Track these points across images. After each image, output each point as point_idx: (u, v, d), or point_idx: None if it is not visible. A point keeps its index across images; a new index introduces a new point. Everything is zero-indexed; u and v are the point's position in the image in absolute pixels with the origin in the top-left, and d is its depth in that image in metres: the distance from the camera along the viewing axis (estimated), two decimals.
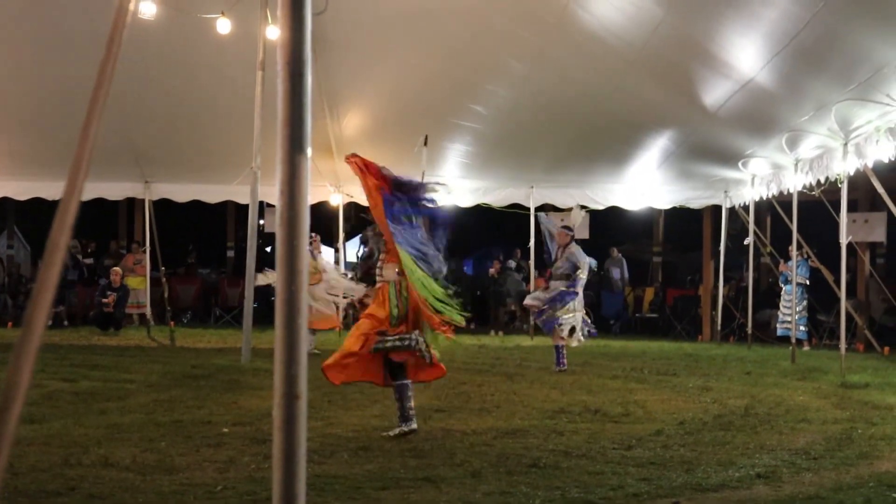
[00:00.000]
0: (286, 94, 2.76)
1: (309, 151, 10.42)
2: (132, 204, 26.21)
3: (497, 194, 23.07)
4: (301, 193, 2.80)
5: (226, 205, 25.78)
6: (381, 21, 16.05)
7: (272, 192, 21.77)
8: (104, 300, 22.31)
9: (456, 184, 22.91)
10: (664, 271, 30.27)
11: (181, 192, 23.19)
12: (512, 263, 26.09)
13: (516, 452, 8.74)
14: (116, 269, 23.24)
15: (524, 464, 8.21)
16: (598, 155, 20.96)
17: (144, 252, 23.10)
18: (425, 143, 16.92)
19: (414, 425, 9.62)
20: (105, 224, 28.91)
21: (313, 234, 18.74)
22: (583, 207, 20.17)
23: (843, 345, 15.88)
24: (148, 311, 23.25)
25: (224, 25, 14.82)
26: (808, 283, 21.34)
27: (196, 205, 23.70)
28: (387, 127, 19.87)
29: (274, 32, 14.92)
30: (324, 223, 26.61)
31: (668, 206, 24.39)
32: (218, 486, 7.17)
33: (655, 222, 29.31)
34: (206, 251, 32.17)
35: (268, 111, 14.38)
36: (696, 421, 10.77)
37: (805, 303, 21.32)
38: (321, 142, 20.27)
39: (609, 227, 28.09)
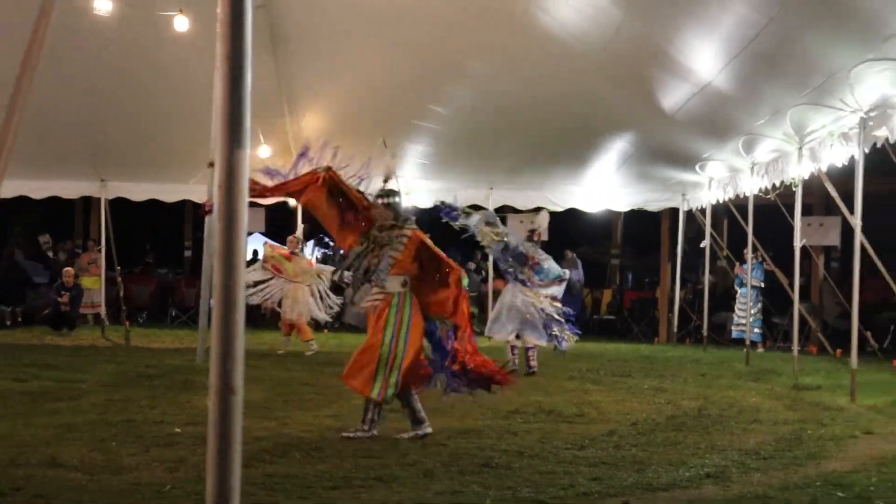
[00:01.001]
0: (225, 89, 2.76)
1: (267, 150, 10.47)
2: (88, 203, 26.02)
3: (456, 195, 23.05)
4: (240, 189, 2.80)
5: (183, 204, 25.58)
6: (340, 19, 16.00)
7: None
8: (59, 299, 22.14)
9: (415, 185, 22.89)
10: (622, 273, 30.38)
11: (138, 191, 23.03)
12: (471, 265, 26.10)
13: (469, 452, 8.76)
14: (69, 269, 23.06)
15: (476, 463, 8.23)
16: (558, 157, 20.99)
17: (100, 251, 22.93)
18: (385, 145, 16.88)
19: (429, 429, 9.66)
20: (61, 223, 28.69)
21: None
22: (540, 209, 20.26)
23: (795, 347, 16.03)
24: (103, 310, 23.09)
25: (181, 23, 14.74)
26: (763, 286, 21.47)
27: (153, 204, 23.54)
28: (346, 126, 19.79)
29: None
30: (282, 223, 26.56)
31: (626, 209, 24.48)
32: (167, 486, 7.14)
33: (614, 225, 29.41)
34: (164, 251, 32.00)
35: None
36: (650, 421, 10.83)
37: (760, 305, 21.46)
38: (281, 141, 20.21)
39: (568, 229, 28.15)
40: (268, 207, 24.71)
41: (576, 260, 27.93)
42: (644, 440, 9.63)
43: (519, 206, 22.91)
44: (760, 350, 21.16)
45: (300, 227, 21.30)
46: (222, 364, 2.78)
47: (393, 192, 10.22)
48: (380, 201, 10.14)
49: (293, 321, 18.71)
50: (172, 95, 17.97)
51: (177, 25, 14.64)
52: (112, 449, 8.56)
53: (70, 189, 23.12)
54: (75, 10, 15.18)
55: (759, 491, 7.27)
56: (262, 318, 27.01)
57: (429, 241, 9.95)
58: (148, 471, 7.73)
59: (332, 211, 10.20)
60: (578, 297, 27.23)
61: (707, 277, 22.27)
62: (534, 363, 15.55)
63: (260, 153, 19.55)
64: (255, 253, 30.30)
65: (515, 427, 10.25)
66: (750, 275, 20.01)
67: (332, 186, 10.14)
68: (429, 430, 9.67)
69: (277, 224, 27.99)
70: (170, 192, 22.87)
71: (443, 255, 9.87)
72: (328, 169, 10.17)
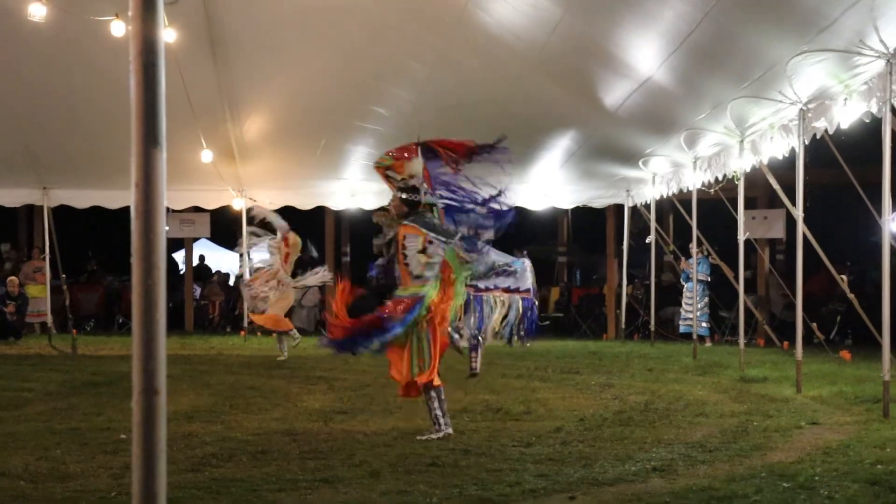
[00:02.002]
0: (138, 86, 2.72)
1: (209, 155, 10.42)
2: (31, 210, 25.80)
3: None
4: (157, 188, 2.77)
5: (127, 210, 25.36)
6: (278, 24, 15.94)
7: (174, 197, 21.59)
8: (4, 309, 21.93)
9: (359, 186, 22.87)
10: (569, 271, 30.47)
11: (81, 199, 22.88)
12: None
13: (416, 452, 8.73)
14: (13, 278, 22.85)
15: (423, 463, 8.21)
16: None
17: (44, 259, 22.73)
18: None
19: (448, 430, 9.66)
20: (4, 231, 28.40)
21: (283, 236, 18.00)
22: None
23: (741, 340, 16.16)
24: (49, 319, 22.90)
25: (118, 28, 14.59)
26: (709, 279, 21.59)
27: (97, 210, 23.37)
28: (289, 129, 19.78)
29: (171, 35, 14.73)
30: (227, 227, 26.42)
31: (571, 206, 24.60)
32: (112, 493, 7.07)
33: (560, 222, 29.49)
34: (110, 258, 31.74)
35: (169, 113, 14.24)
36: (597, 417, 10.86)
37: (706, 300, 21.58)
38: (223, 146, 20.12)
39: (514, 227, 28.18)
40: (213, 212, 24.60)
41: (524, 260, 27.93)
42: (591, 436, 9.65)
43: None
44: (708, 344, 21.28)
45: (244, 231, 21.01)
46: (144, 364, 2.74)
47: (413, 189, 10.17)
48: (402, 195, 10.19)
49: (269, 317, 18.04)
50: (114, 100, 17.62)
51: (113, 30, 14.48)
52: (57, 457, 8.48)
53: (11, 197, 22.96)
54: (9, 13, 15.06)
55: (704, 483, 7.29)
56: (210, 322, 26.91)
57: (403, 236, 9.98)
58: (94, 478, 7.66)
59: None
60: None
61: (653, 272, 22.37)
62: (475, 364, 15.28)
63: (203, 157, 19.45)
64: (202, 258, 30.15)
65: (462, 426, 10.22)
66: (696, 269, 20.13)
67: None
68: (448, 431, 9.68)
69: (222, 229, 27.84)
70: (113, 199, 22.66)
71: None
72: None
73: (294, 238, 17.94)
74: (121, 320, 26.29)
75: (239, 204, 22.98)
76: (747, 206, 17.09)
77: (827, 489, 7.01)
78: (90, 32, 15.38)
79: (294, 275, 18.22)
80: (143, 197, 2.76)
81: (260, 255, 18.27)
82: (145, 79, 2.73)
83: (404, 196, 10.13)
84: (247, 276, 20.43)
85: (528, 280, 15.05)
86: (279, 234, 17.82)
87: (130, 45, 2.76)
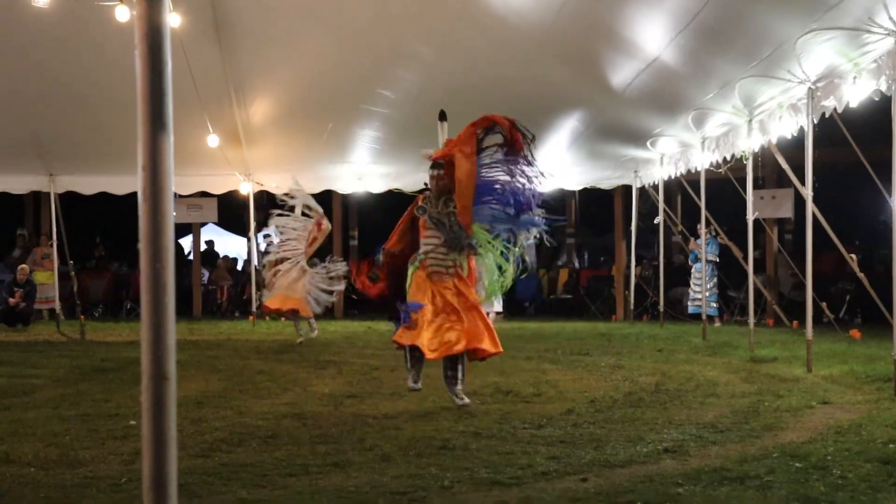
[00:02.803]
0: (144, 69, 2.69)
1: (216, 140, 10.41)
2: (38, 197, 25.81)
3: (408, 179, 22.90)
4: (164, 170, 2.75)
5: (135, 196, 25.30)
6: (284, 5, 15.91)
7: (181, 182, 21.57)
8: (11, 298, 21.95)
9: (366, 170, 22.85)
10: (578, 252, 30.42)
11: (87, 185, 22.87)
12: None
13: (427, 435, 8.70)
14: (23, 266, 22.86)
15: (434, 446, 8.18)
16: None
17: (52, 246, 22.73)
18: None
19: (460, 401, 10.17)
20: (11, 218, 28.41)
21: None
22: None
23: (751, 320, 16.09)
24: (57, 305, 22.91)
25: (123, 13, 14.56)
26: (717, 260, 21.55)
27: (104, 196, 23.37)
28: (295, 113, 19.74)
29: (175, 19, 14.70)
30: (234, 212, 26.41)
31: (578, 187, 24.56)
32: (123, 479, 7.05)
33: (568, 203, 29.44)
34: (117, 244, 31.75)
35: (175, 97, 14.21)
36: (607, 399, 10.82)
37: (715, 280, 21.54)
38: (229, 130, 20.09)
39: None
40: (220, 197, 24.59)
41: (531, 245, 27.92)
42: (602, 417, 9.61)
43: None
44: (717, 324, 21.26)
45: (252, 216, 20.93)
46: (154, 350, 2.72)
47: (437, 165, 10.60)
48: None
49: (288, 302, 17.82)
50: (120, 85, 17.62)
51: (118, 15, 14.44)
52: (67, 443, 8.45)
53: (18, 184, 22.97)
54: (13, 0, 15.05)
55: (716, 464, 7.26)
56: (218, 307, 26.93)
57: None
58: (104, 464, 7.63)
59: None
60: (534, 276, 27.25)
61: (661, 253, 22.32)
62: None
63: (209, 142, 19.43)
64: (210, 243, 30.16)
65: (473, 408, 10.19)
66: (704, 249, 20.09)
67: None
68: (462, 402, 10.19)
69: (230, 214, 27.84)
70: (120, 185, 22.67)
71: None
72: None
73: (327, 225, 17.85)
74: (129, 306, 26.31)
75: (246, 188, 22.97)
76: (756, 186, 17.03)
77: (840, 469, 6.98)
78: (96, 18, 15.36)
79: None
80: (150, 180, 2.74)
81: (285, 236, 18.00)
82: (151, 62, 2.70)
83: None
84: (255, 261, 20.31)
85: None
86: (313, 219, 17.67)
87: (135, 29, 2.73)
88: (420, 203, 10.65)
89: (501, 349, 10.40)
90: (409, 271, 10.45)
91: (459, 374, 10.33)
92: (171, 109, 2.79)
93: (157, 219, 2.75)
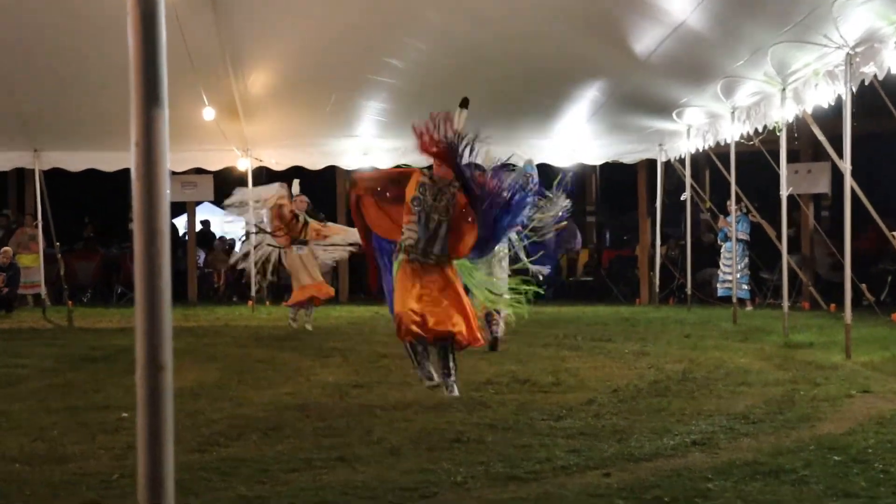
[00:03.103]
0: (136, 39, 2.69)
1: (211, 113, 10.41)
2: (22, 174, 25.84)
3: (417, 154, 22.84)
4: (159, 147, 2.74)
5: (126, 173, 25.17)
6: None
7: (175, 158, 21.59)
8: None
9: (373, 144, 22.83)
10: (599, 231, 30.41)
11: (75, 161, 22.88)
12: None
13: (438, 427, 8.72)
14: (6, 248, 22.89)
15: (446, 439, 8.19)
16: (524, 109, 20.92)
17: (37, 227, 22.76)
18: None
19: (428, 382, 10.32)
20: None
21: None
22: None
23: (785, 303, 16.09)
24: (43, 290, 22.95)
25: None
26: (749, 239, 21.52)
27: (92, 174, 23.38)
28: (296, 85, 19.71)
29: None
30: (231, 191, 26.42)
31: (599, 162, 24.53)
32: (114, 475, 7.07)
33: (588, 179, 29.41)
34: (107, 224, 31.80)
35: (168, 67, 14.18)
36: (631, 388, 10.82)
37: (746, 260, 21.51)
38: (226, 103, 20.09)
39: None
40: (216, 174, 24.59)
41: (575, 230, 27.94)
42: (625, 408, 9.62)
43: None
44: (749, 308, 21.26)
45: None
46: (149, 338, 2.72)
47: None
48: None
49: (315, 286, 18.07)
50: (107, 54, 17.66)
51: None
52: (54, 437, 8.47)
53: (1, 161, 22.94)
54: None
55: (748, 457, 7.27)
56: (215, 291, 26.98)
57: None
58: (94, 459, 7.65)
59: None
60: (553, 257, 27.18)
61: (689, 232, 22.28)
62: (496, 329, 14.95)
63: (204, 115, 19.42)
64: (206, 223, 30.19)
65: (488, 399, 10.22)
66: (734, 228, 20.05)
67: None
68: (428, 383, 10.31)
69: (227, 191, 27.84)
70: (110, 161, 22.68)
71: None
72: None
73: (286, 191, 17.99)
74: (119, 290, 26.33)
75: (244, 164, 22.97)
76: (790, 160, 16.99)
77: (881, 462, 6.98)
78: None
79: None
80: (143, 157, 2.73)
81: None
82: (144, 31, 2.70)
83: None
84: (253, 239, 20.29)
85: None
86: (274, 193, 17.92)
87: None
88: (421, 179, 10.69)
89: (481, 341, 10.54)
90: (395, 264, 10.49)
91: (451, 365, 10.42)
92: (166, 81, 2.78)
93: (151, 199, 2.75)
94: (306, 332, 17.41)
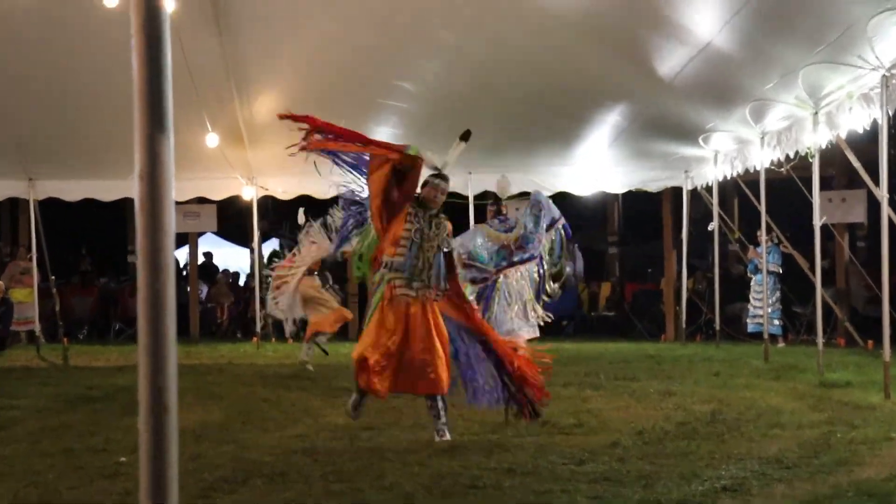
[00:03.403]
0: (141, 63, 2.70)
1: (215, 139, 10.44)
2: (15, 204, 25.91)
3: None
4: (164, 178, 2.75)
5: (124, 202, 25.22)
6: None
7: (177, 186, 21.68)
8: None
9: None
10: (622, 263, 30.38)
11: (71, 190, 22.94)
12: None
13: (454, 472, 8.71)
14: None
15: (462, 484, 8.18)
16: (543, 135, 20.94)
17: (31, 259, 22.79)
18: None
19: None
20: None
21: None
22: (527, 194, 20.30)
23: (820, 339, 16.02)
24: (37, 327, 22.96)
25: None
26: (780, 271, 21.47)
27: (90, 204, 23.43)
28: (304, 108, 19.59)
29: (170, 4, 14.71)
30: (236, 220, 26.46)
31: (622, 190, 24.54)
32: None
33: (610, 208, 29.41)
34: (105, 257, 31.88)
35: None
36: (657, 430, 10.79)
37: (778, 294, 21.47)
38: (230, 128, 20.12)
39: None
40: (220, 203, 24.64)
41: (575, 251, 27.87)
42: (651, 451, 9.60)
43: (498, 193, 22.88)
44: (781, 344, 21.21)
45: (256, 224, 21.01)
46: (152, 379, 2.73)
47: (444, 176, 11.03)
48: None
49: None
50: (107, 79, 17.72)
51: (106, 1, 14.48)
52: (49, 482, 8.48)
53: None
54: None
55: None
56: (218, 327, 27.00)
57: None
58: None
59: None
60: (573, 291, 27.21)
61: (717, 264, 22.24)
62: None
63: (208, 141, 19.46)
64: (208, 255, 30.25)
65: (505, 441, 10.20)
66: (765, 259, 20.01)
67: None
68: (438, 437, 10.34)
69: (231, 222, 27.90)
70: (108, 190, 22.73)
71: None
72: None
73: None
74: (118, 326, 26.38)
75: (249, 193, 23.02)
76: (823, 187, 16.97)
77: None
78: (78, 7, 15.40)
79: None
80: (148, 189, 2.74)
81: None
82: (149, 55, 2.71)
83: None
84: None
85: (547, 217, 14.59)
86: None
87: (132, 18, 2.73)
88: (408, 210, 10.71)
89: (444, 391, 10.46)
90: (374, 298, 10.55)
91: (439, 406, 10.44)
92: (171, 107, 2.79)
93: (156, 233, 2.75)
94: (311, 371, 17.38)
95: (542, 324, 14.31)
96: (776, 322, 21.27)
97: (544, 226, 13.49)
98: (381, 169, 10.44)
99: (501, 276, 13.98)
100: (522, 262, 14.19)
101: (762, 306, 20.53)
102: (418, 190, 10.84)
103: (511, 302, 14.06)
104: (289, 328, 18.27)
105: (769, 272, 20.62)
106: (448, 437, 10.29)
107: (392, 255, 10.43)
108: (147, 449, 2.74)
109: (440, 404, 10.40)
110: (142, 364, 2.76)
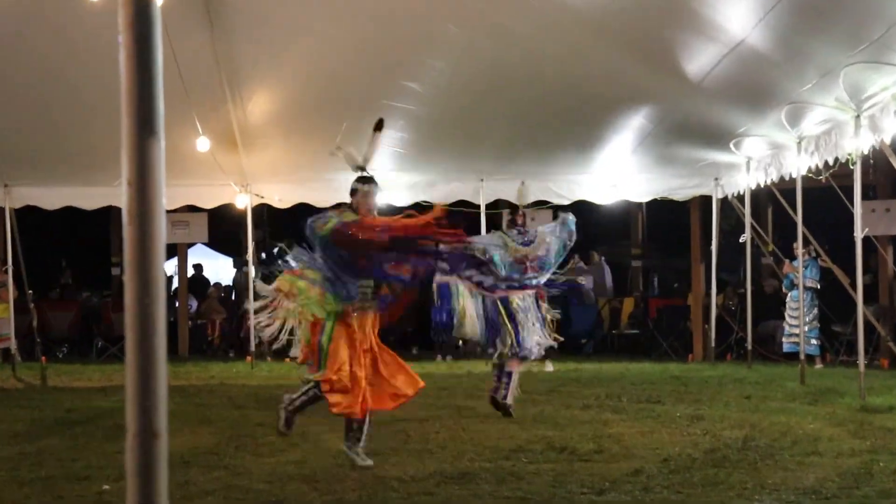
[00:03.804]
0: (130, 63, 2.70)
1: (206, 143, 10.48)
2: None
3: (440, 190, 22.91)
4: (154, 185, 2.76)
5: (108, 211, 25.23)
6: None
7: (167, 195, 21.70)
8: None
9: (390, 179, 22.84)
10: (646, 278, 30.36)
11: (50, 198, 22.94)
12: None
13: (464, 501, 8.73)
14: None
15: None
16: (560, 139, 20.93)
17: (7, 272, 22.80)
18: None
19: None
20: None
21: None
22: (543, 203, 20.39)
23: (861, 360, 15.98)
24: (13, 344, 22.95)
25: None
26: (819, 287, 21.44)
27: (70, 212, 23.45)
28: (302, 112, 19.73)
29: None
30: (227, 230, 26.48)
31: (646, 199, 24.53)
32: None
33: (633, 219, 29.40)
34: (86, 269, 31.92)
35: None
36: (684, 457, 10.80)
37: (816, 311, 21.44)
38: (223, 132, 20.12)
39: (577, 226, 28.16)
40: (211, 212, 24.65)
41: (603, 264, 27.90)
42: (678, 480, 9.60)
43: (516, 201, 22.89)
44: (819, 366, 21.17)
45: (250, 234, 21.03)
46: (141, 402, 2.73)
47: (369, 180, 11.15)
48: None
49: None
50: (89, 80, 17.75)
51: None
52: None
53: None
54: None
55: None
56: (209, 345, 27.01)
57: None
58: None
59: None
60: (593, 308, 27.21)
61: (749, 279, 22.23)
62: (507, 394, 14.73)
63: (198, 146, 19.45)
64: (198, 267, 30.27)
65: (520, 469, 10.21)
66: (802, 274, 19.99)
67: None
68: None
69: (223, 232, 27.91)
70: (90, 198, 22.75)
71: None
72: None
73: None
74: (100, 344, 26.34)
75: (243, 201, 23.02)
76: (865, 197, 16.97)
77: None
78: (60, 1, 15.45)
79: None
80: (137, 197, 2.74)
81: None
82: (138, 54, 2.72)
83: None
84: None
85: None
86: None
87: (120, 14, 2.74)
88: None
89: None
90: (328, 323, 10.53)
91: (365, 430, 10.52)
92: (163, 109, 2.81)
93: (145, 244, 2.76)
94: None
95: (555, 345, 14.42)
96: (814, 342, 21.23)
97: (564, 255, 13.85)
98: None
99: (511, 294, 14.06)
100: (531, 287, 14.29)
101: (798, 324, 20.48)
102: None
103: (528, 316, 14.17)
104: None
105: (806, 288, 20.60)
106: (369, 462, 10.42)
107: None
108: (134, 475, 2.75)
109: (365, 428, 10.55)
110: (129, 384, 2.77)
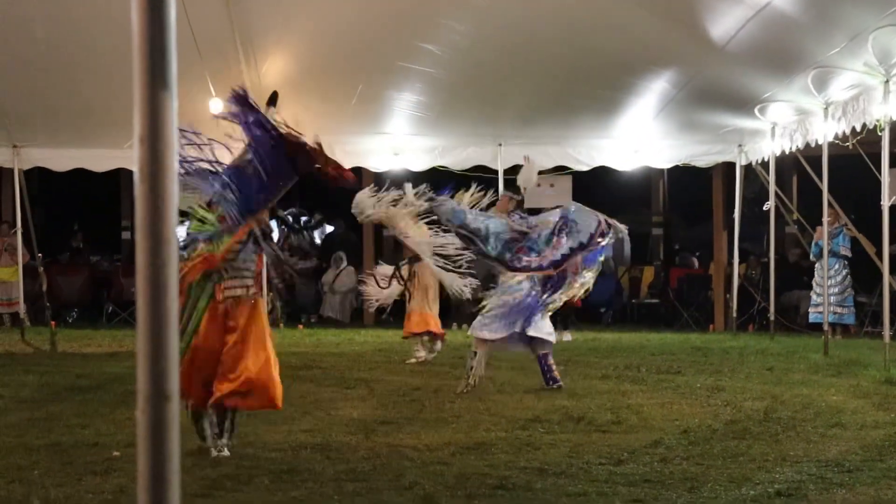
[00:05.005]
0: (142, 12, 2.68)
1: (219, 105, 10.46)
2: None
3: (457, 154, 22.88)
4: (167, 142, 2.74)
5: (118, 174, 25.21)
6: None
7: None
8: None
9: (405, 143, 22.82)
10: (667, 246, 30.30)
11: (60, 160, 22.90)
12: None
13: (479, 472, 8.72)
14: None
15: (488, 485, 8.20)
16: (581, 103, 20.86)
17: (15, 234, 22.81)
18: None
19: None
20: None
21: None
22: (562, 168, 20.35)
23: (887, 331, 15.94)
24: (22, 309, 23.00)
25: None
26: (850, 255, 21.32)
27: (80, 174, 23.44)
28: (317, 74, 19.70)
29: None
30: None
31: (668, 165, 24.44)
32: None
33: (654, 186, 29.33)
34: (96, 233, 31.93)
35: None
36: (704, 428, 10.80)
37: (849, 279, 21.32)
38: None
39: (596, 192, 28.08)
40: None
41: (624, 233, 27.82)
42: (697, 451, 9.60)
43: (518, 181, 22.82)
44: (838, 337, 21.09)
45: None
46: (152, 365, 2.72)
47: None
48: None
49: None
50: (100, 37, 17.75)
51: None
52: (35, 479, 8.51)
53: None
54: None
55: None
56: None
57: None
58: None
59: None
60: (612, 276, 27.14)
61: (772, 247, 22.16)
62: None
63: (211, 107, 19.40)
64: None
65: (536, 439, 10.22)
66: (827, 242, 19.91)
67: None
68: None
69: None
70: (100, 160, 22.71)
71: None
72: None
73: None
74: (110, 309, 26.38)
75: None
76: (893, 164, 16.88)
77: None
78: None
79: None
80: (149, 154, 2.72)
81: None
82: (150, 4, 2.69)
83: None
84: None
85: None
86: None
87: None
88: None
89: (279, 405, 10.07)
90: (202, 301, 9.68)
91: (227, 426, 9.86)
92: (175, 61, 2.78)
93: (157, 203, 2.74)
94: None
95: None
96: (842, 310, 21.14)
97: (567, 247, 13.56)
98: None
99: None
100: (515, 269, 13.92)
101: (824, 294, 20.39)
102: None
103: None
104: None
105: (839, 256, 20.52)
106: (227, 453, 9.67)
107: None
108: (145, 440, 2.74)
109: (227, 423, 9.87)
110: (140, 347, 2.76)
